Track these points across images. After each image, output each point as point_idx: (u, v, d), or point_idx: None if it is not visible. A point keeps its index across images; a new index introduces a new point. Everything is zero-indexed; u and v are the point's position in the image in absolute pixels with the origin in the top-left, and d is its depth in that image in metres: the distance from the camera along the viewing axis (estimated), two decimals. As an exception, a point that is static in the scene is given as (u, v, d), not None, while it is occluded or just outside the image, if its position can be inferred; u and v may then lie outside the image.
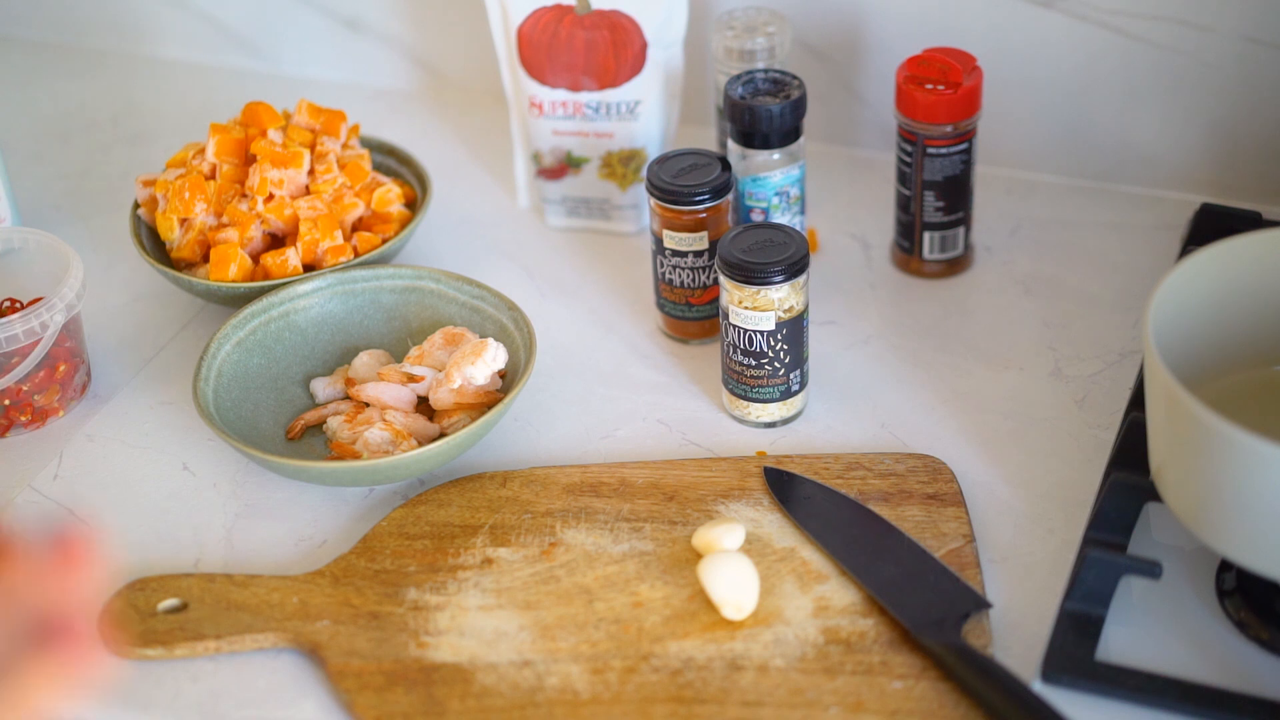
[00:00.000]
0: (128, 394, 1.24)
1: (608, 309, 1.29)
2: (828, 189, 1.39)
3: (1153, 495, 1.02)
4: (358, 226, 1.28)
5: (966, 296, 1.28)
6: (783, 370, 1.15)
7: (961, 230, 1.28)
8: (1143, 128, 1.34)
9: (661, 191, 1.20)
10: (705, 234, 1.20)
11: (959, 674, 0.97)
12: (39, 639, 0.69)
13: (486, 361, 1.14)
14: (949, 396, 1.19)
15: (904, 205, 1.28)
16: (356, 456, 1.12)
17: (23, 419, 1.20)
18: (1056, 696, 0.97)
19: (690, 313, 1.24)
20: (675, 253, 1.21)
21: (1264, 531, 0.93)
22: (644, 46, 1.29)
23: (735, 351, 1.15)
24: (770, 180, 1.23)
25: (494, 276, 1.30)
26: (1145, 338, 0.97)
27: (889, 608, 1.01)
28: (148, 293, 1.33)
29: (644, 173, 1.33)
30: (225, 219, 1.25)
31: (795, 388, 1.16)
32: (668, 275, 1.23)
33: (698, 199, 1.19)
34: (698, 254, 1.21)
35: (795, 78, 1.22)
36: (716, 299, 1.23)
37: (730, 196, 1.21)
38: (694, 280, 1.22)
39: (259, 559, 1.10)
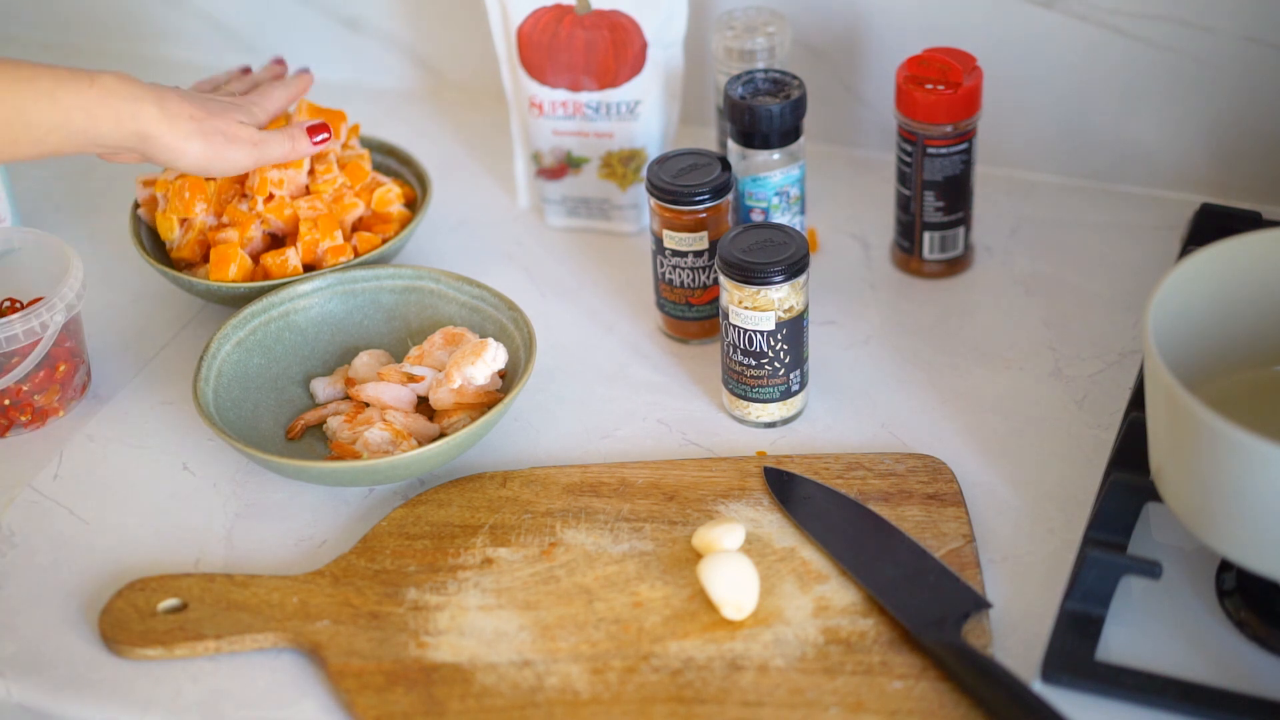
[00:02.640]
0: (128, 394, 1.24)
1: (608, 309, 1.29)
2: (828, 189, 1.39)
3: (1153, 495, 1.02)
4: (358, 226, 1.28)
5: (966, 296, 1.28)
6: (783, 370, 1.15)
7: (961, 230, 1.28)
8: (1143, 128, 1.34)
9: (661, 191, 1.19)
10: (705, 234, 1.20)
11: (959, 674, 0.97)
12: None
13: (486, 361, 1.14)
14: (949, 396, 1.19)
15: (904, 205, 1.28)
16: (356, 456, 1.12)
17: (23, 419, 1.20)
18: (1056, 696, 0.97)
19: (690, 313, 1.24)
20: (675, 253, 1.21)
21: (1264, 531, 0.92)
22: (644, 46, 1.29)
23: (735, 351, 1.15)
24: (770, 180, 1.23)
25: (494, 276, 1.30)
26: (1145, 338, 0.97)
27: (889, 608, 1.01)
28: (148, 293, 1.33)
29: (644, 173, 1.33)
30: (225, 219, 1.25)
31: (795, 388, 1.16)
32: (668, 275, 1.23)
33: (698, 199, 1.19)
34: (698, 254, 1.21)
35: (795, 78, 1.22)
36: (716, 299, 1.23)
37: (730, 196, 1.21)
38: (694, 280, 1.22)
39: (259, 559, 1.10)
